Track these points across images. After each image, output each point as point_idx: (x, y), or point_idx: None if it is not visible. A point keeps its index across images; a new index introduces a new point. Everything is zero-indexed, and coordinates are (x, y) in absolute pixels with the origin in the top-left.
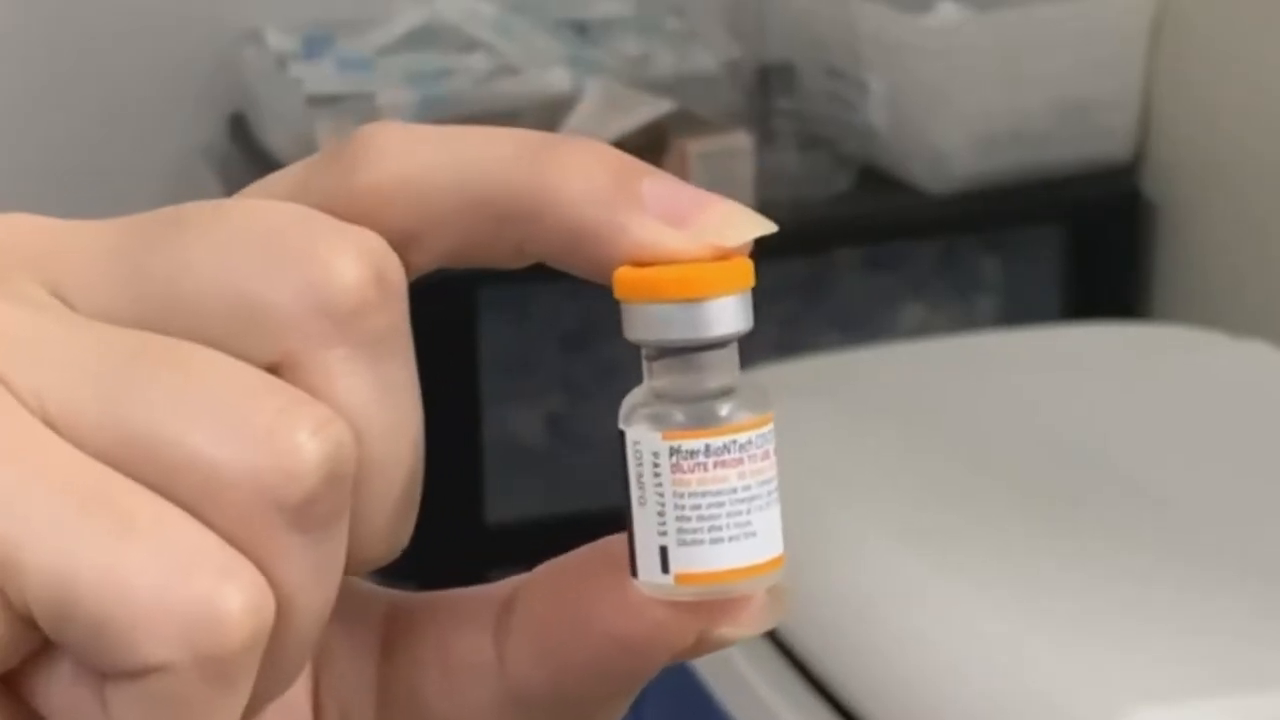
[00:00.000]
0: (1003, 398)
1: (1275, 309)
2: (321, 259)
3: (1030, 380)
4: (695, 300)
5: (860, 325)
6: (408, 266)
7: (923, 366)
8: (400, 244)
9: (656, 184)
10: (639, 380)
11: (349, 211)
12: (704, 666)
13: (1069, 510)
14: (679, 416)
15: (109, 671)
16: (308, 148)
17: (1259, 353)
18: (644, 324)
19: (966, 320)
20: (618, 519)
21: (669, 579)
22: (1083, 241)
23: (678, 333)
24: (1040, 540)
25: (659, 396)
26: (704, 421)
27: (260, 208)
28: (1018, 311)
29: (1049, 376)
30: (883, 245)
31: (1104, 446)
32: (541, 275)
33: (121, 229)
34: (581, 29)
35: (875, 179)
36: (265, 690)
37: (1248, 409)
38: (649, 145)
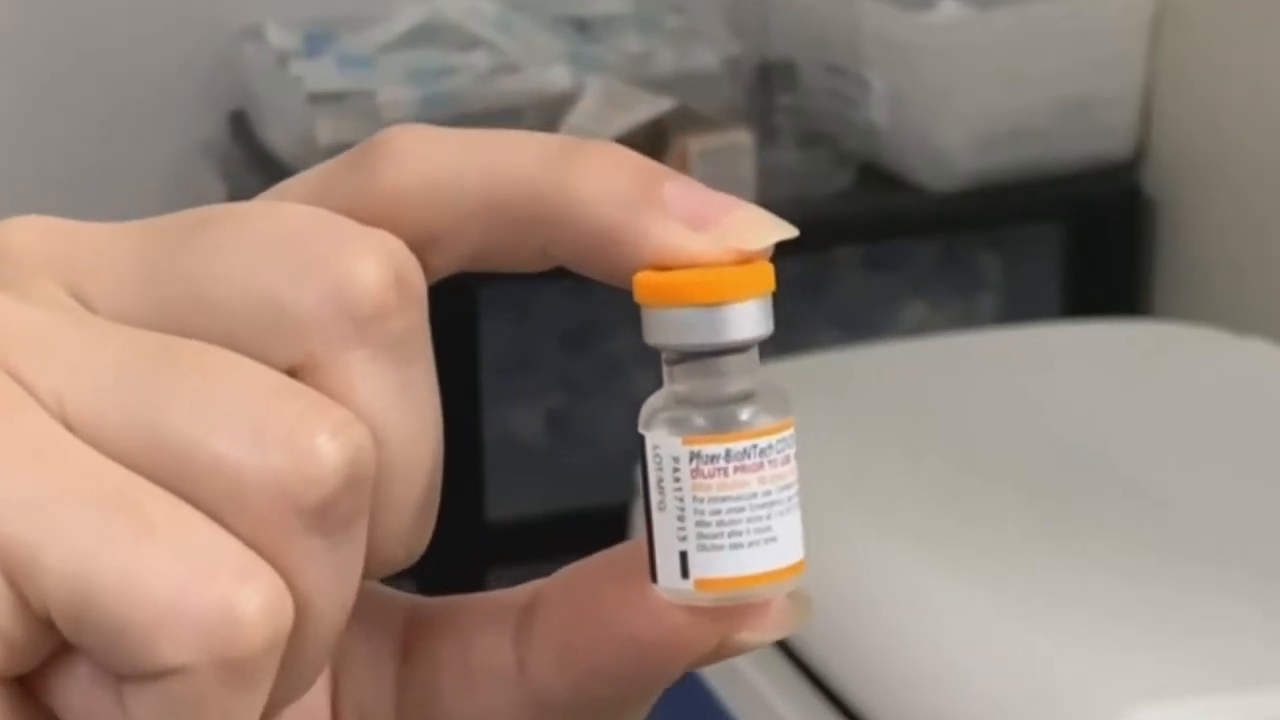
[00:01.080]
0: (1003, 396)
1: (1276, 307)
2: (344, 262)
3: (1031, 379)
4: (717, 304)
5: (860, 324)
6: (428, 269)
7: (923, 365)
8: (421, 247)
9: (678, 187)
10: (638, 379)
11: (370, 214)
12: (708, 668)
13: (1069, 509)
14: (699, 421)
15: (127, 673)
16: (308, 145)
17: (1260, 351)
18: (665, 328)
19: (967, 318)
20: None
21: (688, 584)
22: (1083, 239)
23: (699, 337)
24: (1040, 539)
25: (679, 401)
26: (724, 426)
27: (282, 211)
28: (1018, 309)
29: (1049, 375)
30: (883, 243)
31: (1104, 445)
32: (541, 275)
33: (142, 231)
34: (582, 26)
35: (876, 177)
36: (283, 693)
37: (1248, 408)
38: (650, 143)
